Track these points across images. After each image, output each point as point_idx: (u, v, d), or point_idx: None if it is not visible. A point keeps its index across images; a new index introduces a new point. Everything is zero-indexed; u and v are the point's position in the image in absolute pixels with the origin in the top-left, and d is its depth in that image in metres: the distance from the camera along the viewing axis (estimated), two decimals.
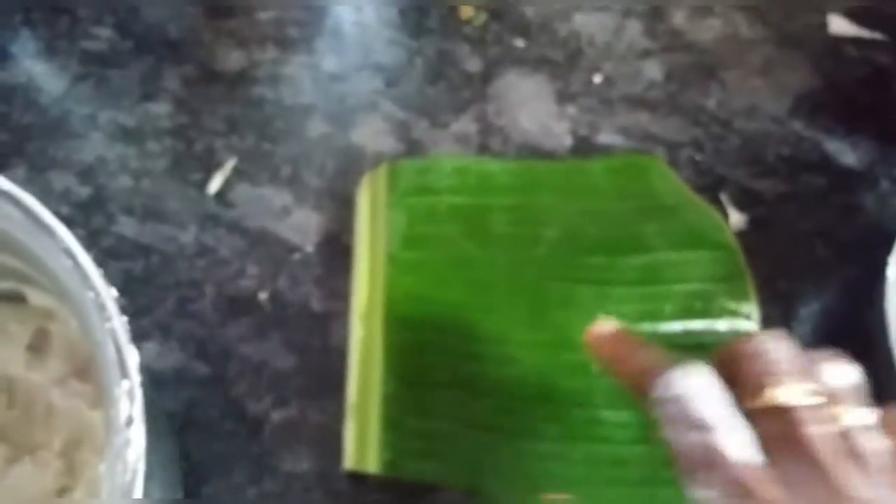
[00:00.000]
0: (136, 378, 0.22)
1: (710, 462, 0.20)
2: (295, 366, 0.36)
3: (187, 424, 0.35)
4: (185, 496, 0.33)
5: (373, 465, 0.33)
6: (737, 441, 0.21)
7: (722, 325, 0.36)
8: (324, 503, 0.34)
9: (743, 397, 0.22)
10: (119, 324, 0.22)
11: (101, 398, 0.29)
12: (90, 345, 0.24)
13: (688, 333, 0.36)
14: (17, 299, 0.33)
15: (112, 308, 0.23)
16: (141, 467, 0.21)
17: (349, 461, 0.34)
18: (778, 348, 0.22)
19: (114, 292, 0.23)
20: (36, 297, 0.32)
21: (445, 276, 0.37)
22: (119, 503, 0.21)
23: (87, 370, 0.30)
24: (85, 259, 0.23)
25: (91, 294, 0.23)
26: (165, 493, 0.30)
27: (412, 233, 0.37)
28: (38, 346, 0.32)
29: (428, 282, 0.37)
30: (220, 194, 0.39)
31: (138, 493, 0.21)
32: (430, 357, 0.36)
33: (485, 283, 0.37)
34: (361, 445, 0.34)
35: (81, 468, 0.29)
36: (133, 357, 0.22)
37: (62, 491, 0.29)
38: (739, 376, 0.22)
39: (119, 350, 0.22)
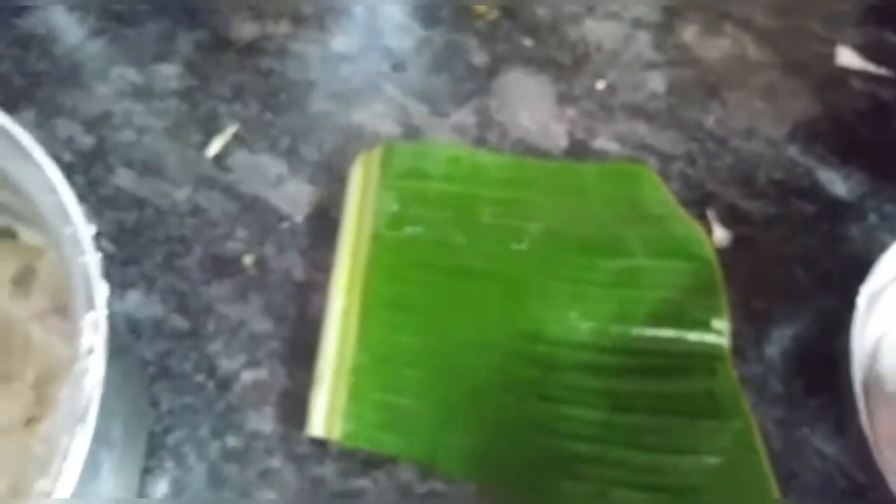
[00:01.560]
0: (102, 311, 0.23)
1: None
2: (271, 330, 0.37)
3: (160, 374, 0.36)
4: (148, 441, 0.34)
5: (336, 433, 0.34)
6: None
7: (692, 336, 0.37)
8: (283, 465, 0.35)
9: None
10: (92, 259, 0.23)
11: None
12: (66, 278, 0.25)
13: (657, 340, 0.37)
14: (9, 235, 0.34)
15: (87, 243, 0.23)
16: (96, 395, 0.22)
17: (313, 428, 0.34)
18: None
19: (92, 229, 0.24)
20: (27, 235, 0.34)
21: (427, 259, 0.38)
22: (73, 428, 0.22)
23: (67, 308, 0.31)
24: (68, 195, 0.24)
25: (69, 229, 0.24)
26: (129, 433, 0.31)
27: (400, 214, 0.38)
28: (23, 281, 0.33)
29: (409, 262, 0.38)
30: (218, 158, 0.40)
31: (92, 419, 0.22)
32: (403, 336, 0.36)
33: (465, 269, 0.38)
34: (327, 414, 0.34)
35: (50, 402, 0.30)
36: (102, 291, 0.23)
37: (30, 421, 0.30)
38: None
39: (89, 284, 0.23)
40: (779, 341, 0.39)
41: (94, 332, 0.23)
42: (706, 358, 0.36)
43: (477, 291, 0.37)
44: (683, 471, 0.34)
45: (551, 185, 0.40)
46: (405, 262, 0.38)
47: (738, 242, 0.41)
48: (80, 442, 0.22)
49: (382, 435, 0.35)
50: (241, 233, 0.39)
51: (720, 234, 0.41)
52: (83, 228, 0.24)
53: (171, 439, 0.35)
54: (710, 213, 0.41)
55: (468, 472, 0.35)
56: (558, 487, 0.35)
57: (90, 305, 0.23)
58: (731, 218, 0.42)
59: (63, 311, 0.32)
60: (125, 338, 0.35)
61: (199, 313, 0.37)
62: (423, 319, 0.37)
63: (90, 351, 0.23)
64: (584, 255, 0.38)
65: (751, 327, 0.39)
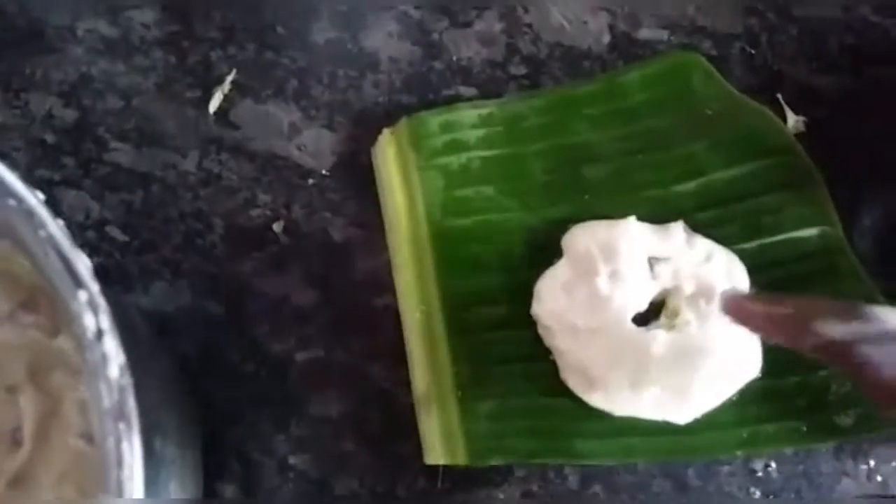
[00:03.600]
0: (93, 286, 0.19)
1: None
2: (317, 302, 0.33)
3: (206, 369, 0.33)
4: (208, 444, 0.31)
5: (460, 457, 0.31)
6: None
7: (805, 233, 0.33)
8: (357, 450, 0.32)
9: None
10: (56, 229, 0.19)
11: (58, 324, 0.26)
12: (28, 260, 0.21)
13: (764, 250, 0.33)
14: None
15: (43, 213, 0.19)
16: (128, 382, 0.19)
17: (433, 457, 0.32)
18: None
19: (40, 195, 0.20)
20: None
21: (495, 241, 0.34)
22: (111, 428, 0.19)
23: (33, 300, 0.27)
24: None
25: (12, 202, 0.20)
26: (183, 444, 0.28)
27: (449, 198, 0.34)
28: None
29: (477, 249, 0.34)
30: (221, 113, 0.35)
31: (132, 410, 0.19)
32: (497, 330, 0.33)
33: (537, 241, 0.34)
34: (444, 439, 0.32)
35: (61, 391, 0.27)
36: (83, 262, 0.19)
37: (47, 416, 0.27)
38: None
39: (64, 258, 0.19)
40: (871, 231, 0.35)
41: (93, 314, 0.19)
42: (826, 254, 0.33)
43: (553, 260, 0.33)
44: None
45: (598, 114, 0.35)
46: (472, 250, 0.33)
47: (813, 126, 0.36)
48: (131, 445, 0.19)
49: (506, 443, 0.32)
50: (263, 197, 0.34)
51: (793, 120, 0.36)
52: (29, 198, 0.20)
53: (231, 437, 0.32)
54: (781, 97, 0.37)
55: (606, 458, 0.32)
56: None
57: (76, 283, 0.19)
58: (803, 99, 0.37)
59: (28, 305, 0.28)
60: (154, 338, 0.31)
61: (235, 295, 0.33)
62: (508, 309, 0.33)
63: (99, 335, 0.19)
64: (657, 187, 0.34)
65: (838, 217, 0.35)
